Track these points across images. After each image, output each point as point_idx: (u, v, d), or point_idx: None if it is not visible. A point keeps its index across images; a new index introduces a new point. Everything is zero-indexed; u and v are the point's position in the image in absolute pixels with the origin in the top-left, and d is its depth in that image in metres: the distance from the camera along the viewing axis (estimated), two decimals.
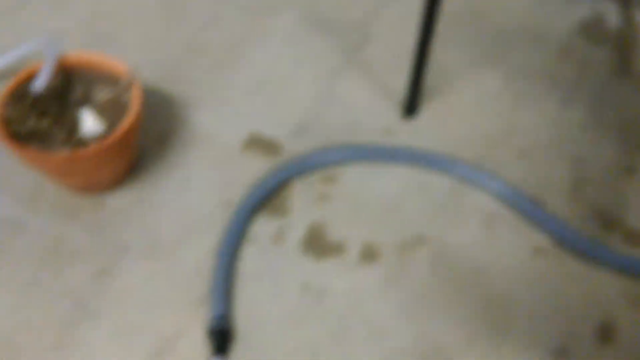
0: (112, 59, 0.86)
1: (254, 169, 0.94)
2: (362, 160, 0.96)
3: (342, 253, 0.86)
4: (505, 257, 0.87)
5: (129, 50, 1.08)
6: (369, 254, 0.86)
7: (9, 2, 1.15)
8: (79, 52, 0.87)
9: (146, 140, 0.95)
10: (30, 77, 0.83)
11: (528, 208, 0.89)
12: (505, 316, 0.82)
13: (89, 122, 0.81)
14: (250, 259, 0.85)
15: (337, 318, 0.81)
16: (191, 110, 1.01)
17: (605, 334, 0.80)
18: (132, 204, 0.90)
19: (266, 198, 0.90)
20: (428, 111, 1.04)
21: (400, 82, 1.01)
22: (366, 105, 1.05)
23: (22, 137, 0.79)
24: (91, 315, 0.79)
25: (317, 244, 0.87)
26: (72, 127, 0.81)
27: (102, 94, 0.84)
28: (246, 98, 1.04)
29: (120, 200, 0.90)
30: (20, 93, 0.83)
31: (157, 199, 0.91)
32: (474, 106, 1.05)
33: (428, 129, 1.02)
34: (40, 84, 0.80)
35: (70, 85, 0.86)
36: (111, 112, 0.83)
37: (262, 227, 0.88)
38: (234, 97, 1.04)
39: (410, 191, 0.94)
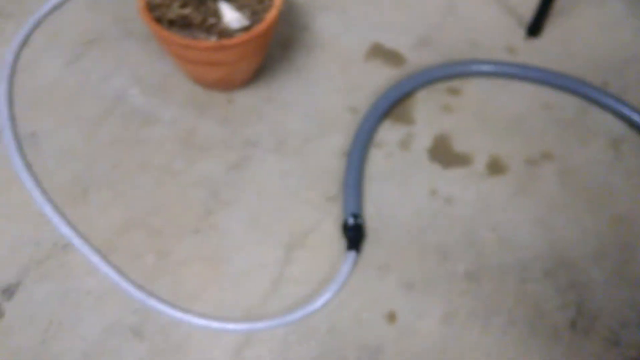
0: None
1: (377, 78, 0.94)
2: (487, 75, 0.94)
3: (469, 163, 0.86)
4: (633, 178, 0.86)
5: None
6: (496, 166, 0.86)
7: None
8: None
9: (271, 43, 0.94)
10: None
11: None
12: (634, 236, 0.81)
13: (230, 14, 0.81)
14: (378, 162, 0.85)
15: (466, 224, 0.81)
16: (311, 17, 1.00)
17: None
18: (261, 102, 0.90)
19: (393, 106, 0.90)
20: (551, 32, 1.01)
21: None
22: (488, 22, 1.02)
23: (164, 24, 0.79)
24: (226, 204, 0.81)
25: (444, 152, 0.87)
26: (214, 17, 0.81)
27: None
28: (366, 7, 1.03)
29: (249, 98, 0.91)
30: None
31: (284, 98, 0.91)
32: (598, 30, 1.02)
33: (551, 50, 0.99)
34: None
35: None
36: (249, 5, 0.82)
37: (388, 133, 0.88)
38: (353, 5, 1.02)
39: (534, 109, 0.92)
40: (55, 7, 0.98)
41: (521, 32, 1.01)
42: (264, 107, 0.90)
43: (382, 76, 0.94)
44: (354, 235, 0.77)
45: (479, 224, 0.81)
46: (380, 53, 0.97)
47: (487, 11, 1.03)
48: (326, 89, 0.92)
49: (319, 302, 0.73)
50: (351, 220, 0.77)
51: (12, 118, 0.87)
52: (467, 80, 0.94)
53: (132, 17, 0.99)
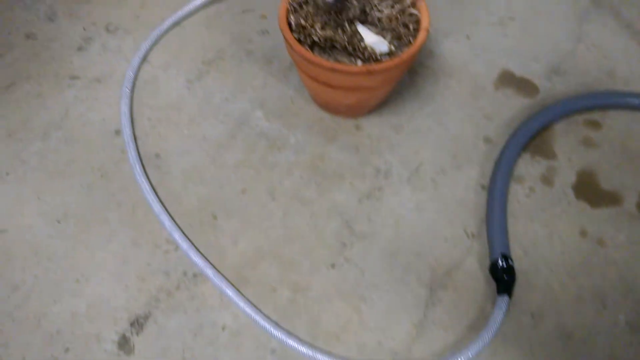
0: None
1: (510, 107, 0.89)
2: (629, 107, 0.88)
3: (619, 203, 0.80)
4: None
5: None
6: None
7: None
8: None
9: None
10: None
11: None
12: None
13: (370, 37, 0.77)
14: (519, 199, 0.80)
15: (621, 268, 0.75)
16: (436, 42, 0.96)
17: None
18: (390, 130, 0.86)
19: (532, 138, 0.84)
20: None
21: None
22: (622, 50, 0.96)
23: (305, 46, 0.76)
24: (361, 237, 0.76)
25: (590, 190, 0.81)
26: (355, 40, 0.77)
27: (385, 10, 0.79)
28: (491, 32, 0.98)
29: (377, 126, 0.86)
30: (301, 0, 0.79)
31: (414, 127, 0.86)
32: None
33: None
34: None
35: (345, 0, 0.81)
36: (391, 28, 0.78)
37: (528, 167, 0.83)
38: (479, 30, 0.98)
39: None
40: (174, 24, 0.96)
41: None
42: (393, 135, 0.85)
43: (515, 106, 0.89)
44: (506, 278, 0.71)
45: (635, 268, 0.74)
46: (511, 81, 0.92)
47: (619, 39, 0.98)
48: (457, 117, 0.87)
49: (471, 351, 0.67)
50: (502, 262, 0.71)
51: (135, 138, 0.83)
52: (607, 113, 0.89)
53: (251, 37, 0.96)
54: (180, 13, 0.96)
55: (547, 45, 0.97)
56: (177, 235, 0.74)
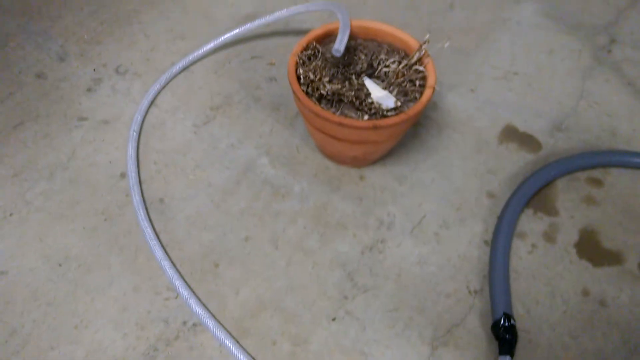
0: (397, 29, 0.83)
1: (514, 162, 0.90)
2: (632, 166, 0.89)
3: (621, 262, 0.80)
4: None
5: None
6: None
7: None
8: (358, 20, 0.85)
9: None
10: (318, 39, 0.81)
11: None
12: None
13: (377, 92, 0.78)
14: (522, 256, 0.80)
15: (624, 329, 0.74)
16: (440, 95, 0.98)
17: None
18: (394, 181, 0.86)
19: (535, 194, 0.85)
20: None
21: None
22: (624, 108, 0.98)
23: (313, 99, 0.77)
24: (363, 290, 0.76)
25: (592, 248, 0.81)
26: (362, 94, 0.78)
27: (392, 65, 0.80)
28: (495, 86, 1.00)
29: (381, 177, 0.87)
30: (310, 53, 0.81)
31: (417, 179, 0.87)
32: None
33: None
34: (340, 47, 0.78)
35: (353, 54, 0.83)
36: (398, 83, 0.79)
37: (531, 223, 0.83)
38: (484, 84, 1.00)
39: None
40: (184, 68, 0.97)
41: None
42: (397, 186, 0.86)
43: (518, 161, 0.90)
44: (509, 338, 0.70)
45: (638, 330, 0.74)
46: (515, 136, 0.93)
47: (621, 96, 0.99)
48: (461, 171, 0.88)
49: None
50: (504, 322, 0.71)
51: (140, 182, 0.84)
52: (609, 171, 0.89)
53: (258, 84, 0.97)
54: (190, 57, 0.98)
55: (550, 101, 0.98)
56: (178, 283, 0.74)
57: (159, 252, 0.76)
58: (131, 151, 0.86)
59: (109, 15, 1.07)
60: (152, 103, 0.93)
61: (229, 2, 1.12)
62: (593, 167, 0.89)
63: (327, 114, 0.74)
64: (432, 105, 0.96)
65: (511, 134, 0.93)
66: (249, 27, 0.98)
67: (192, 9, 1.10)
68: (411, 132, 0.92)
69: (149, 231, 0.78)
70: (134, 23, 1.06)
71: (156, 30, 1.05)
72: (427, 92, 0.76)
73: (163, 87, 0.95)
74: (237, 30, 0.98)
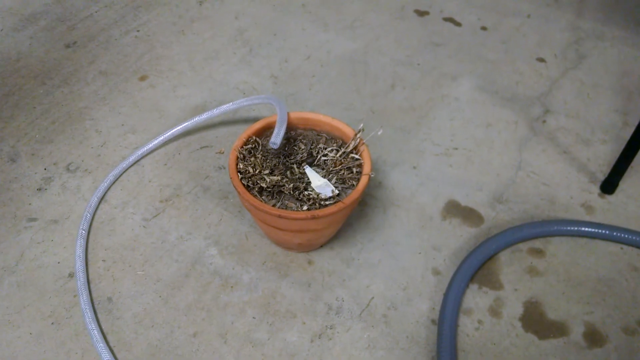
0: (334, 119, 0.87)
1: (457, 237, 0.92)
2: (570, 234, 0.92)
3: (566, 333, 0.82)
4: None
5: (315, 110, 1.10)
6: (594, 337, 0.81)
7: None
8: (297, 112, 0.89)
9: None
10: (258, 133, 0.85)
11: None
12: None
13: (317, 180, 0.81)
14: (469, 333, 0.81)
15: None
16: (384, 174, 1.01)
17: None
18: (341, 264, 0.88)
19: (478, 269, 0.87)
20: (626, 190, 1.01)
21: (588, 154, 1.01)
22: (560, 178, 1.02)
23: (254, 191, 0.79)
24: None
25: (537, 321, 0.83)
26: (301, 184, 0.81)
27: (330, 153, 0.84)
28: (438, 162, 1.04)
29: (329, 260, 0.88)
30: (250, 147, 0.84)
31: (364, 259, 0.89)
32: None
33: (628, 208, 0.98)
34: (276, 140, 0.81)
35: (293, 144, 0.86)
36: (336, 171, 0.83)
37: (476, 299, 0.85)
38: (425, 160, 1.04)
39: (622, 271, 0.89)
40: (134, 162, 1.00)
41: (594, 188, 1.01)
42: (345, 269, 0.87)
43: (461, 235, 0.92)
44: None
45: None
46: (457, 210, 0.96)
47: (557, 166, 1.04)
48: (406, 249, 0.90)
49: None
50: None
51: (89, 281, 0.84)
52: (549, 240, 0.92)
53: (207, 174, 1.00)
54: (140, 151, 1.01)
55: (489, 174, 1.02)
56: None
57: (106, 356, 0.76)
58: (79, 250, 0.86)
59: (60, 113, 1.10)
60: (101, 199, 0.95)
61: (178, 94, 1.16)
62: (534, 237, 0.92)
63: (267, 207, 0.76)
64: (376, 183, 0.99)
65: (454, 209, 0.96)
66: (197, 120, 1.01)
67: (143, 103, 1.13)
68: (357, 211, 0.95)
69: (95, 334, 0.78)
70: (86, 119, 1.09)
71: (107, 126, 1.08)
72: (363, 180, 0.79)
73: (113, 183, 0.97)
74: (186, 124, 1.02)
